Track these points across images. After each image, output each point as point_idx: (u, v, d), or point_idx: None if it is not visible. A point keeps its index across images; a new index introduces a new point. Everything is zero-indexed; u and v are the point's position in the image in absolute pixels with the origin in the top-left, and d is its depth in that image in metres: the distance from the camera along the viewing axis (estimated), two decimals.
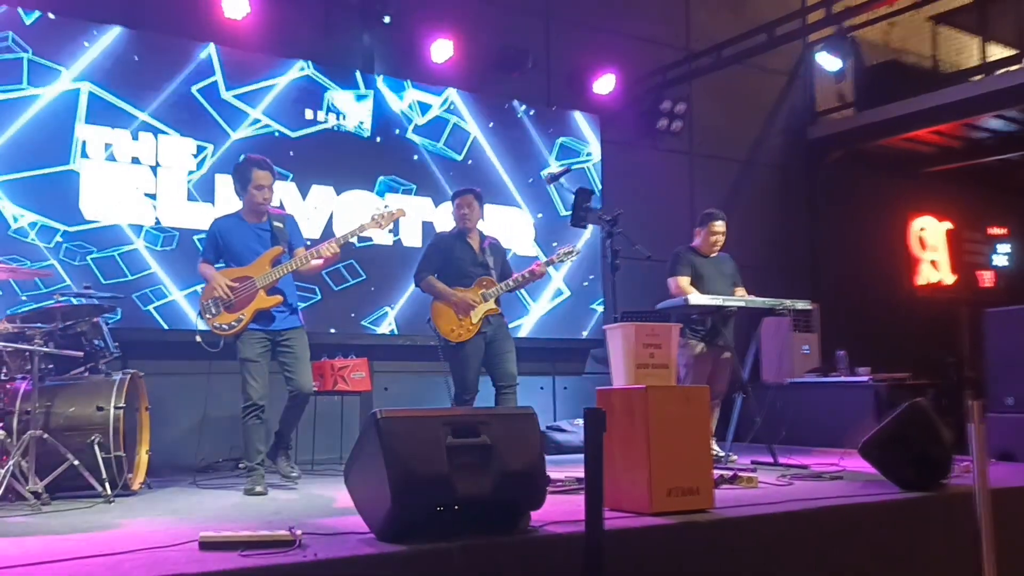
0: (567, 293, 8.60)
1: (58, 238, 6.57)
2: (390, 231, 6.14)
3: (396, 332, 7.78)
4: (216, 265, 5.45)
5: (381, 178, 7.85)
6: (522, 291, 7.25)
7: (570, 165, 6.18)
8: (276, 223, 5.50)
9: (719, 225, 6.71)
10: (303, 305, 6.62)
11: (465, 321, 5.92)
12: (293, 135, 7.50)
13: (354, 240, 5.73)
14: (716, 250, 6.74)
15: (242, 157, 5.68)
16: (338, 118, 7.70)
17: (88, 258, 6.65)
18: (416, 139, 8.06)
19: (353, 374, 6.79)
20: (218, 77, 7.23)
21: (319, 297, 7.44)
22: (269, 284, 5.33)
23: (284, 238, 5.48)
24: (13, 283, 6.32)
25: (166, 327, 6.83)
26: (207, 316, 5.32)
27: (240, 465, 5.62)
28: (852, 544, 4.19)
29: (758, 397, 6.81)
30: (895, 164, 11.11)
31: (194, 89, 7.13)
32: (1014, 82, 9.24)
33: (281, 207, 7.23)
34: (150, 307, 6.81)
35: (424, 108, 8.14)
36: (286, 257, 5.42)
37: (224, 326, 5.29)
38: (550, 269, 6.39)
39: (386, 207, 5.68)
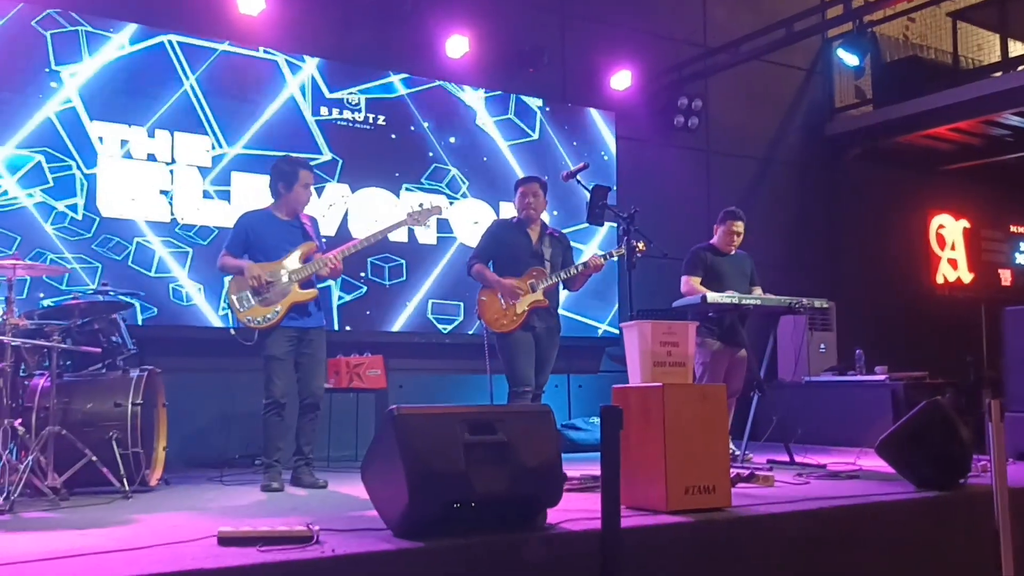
0: (582, 291, 8.59)
1: (75, 236, 6.62)
2: (426, 227, 6.10)
3: (412, 330, 7.81)
4: (241, 259, 5.47)
5: (396, 174, 7.88)
6: None
7: (586, 162, 6.16)
8: (304, 222, 5.55)
9: (739, 225, 6.72)
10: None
11: (510, 310, 5.78)
12: (312, 132, 7.53)
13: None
14: (734, 249, 6.76)
15: (285, 156, 5.75)
16: (353, 114, 7.73)
17: (105, 255, 6.70)
18: (431, 135, 8.08)
19: (368, 371, 6.82)
20: (233, 75, 7.27)
21: (364, 290, 7.49)
22: (303, 278, 5.36)
23: (314, 234, 5.53)
24: (42, 279, 6.39)
25: (183, 324, 6.88)
26: (239, 309, 5.30)
27: (257, 461, 5.66)
28: (869, 543, 4.20)
29: (775, 395, 6.82)
30: (914, 161, 11.07)
31: (207, 87, 7.16)
32: None
33: None
34: (167, 304, 6.85)
35: (438, 105, 8.16)
36: (315, 254, 5.45)
37: (259, 319, 5.29)
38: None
39: (421, 204, 5.72)
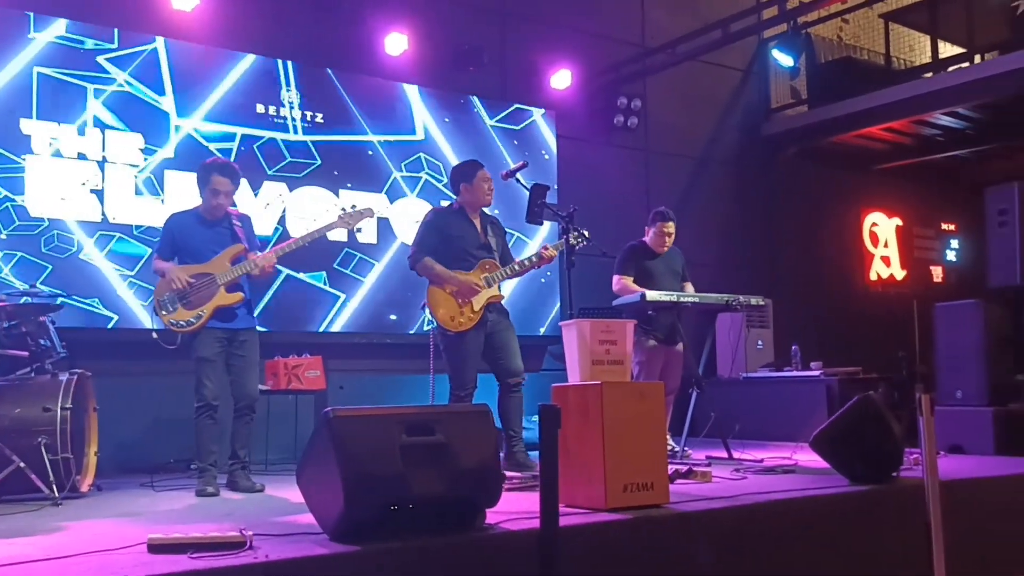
0: (523, 289, 8.60)
1: (2, 235, 6.45)
2: (358, 230, 5.96)
3: (352, 330, 7.73)
4: (171, 262, 5.42)
5: (335, 173, 7.79)
6: None
7: (526, 160, 6.14)
8: (235, 222, 5.47)
9: (669, 226, 6.77)
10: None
11: (466, 308, 5.57)
12: (244, 130, 7.42)
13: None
14: (665, 249, 6.80)
15: (209, 160, 5.65)
16: (291, 112, 7.64)
17: (33, 256, 6.53)
18: (370, 134, 8.01)
19: (307, 373, 6.75)
20: (167, 72, 7.14)
21: (303, 290, 7.38)
22: (230, 281, 5.29)
23: (244, 237, 5.46)
24: None
25: (114, 326, 6.73)
26: (163, 312, 5.25)
27: (192, 466, 5.56)
28: (805, 537, 4.24)
29: (713, 392, 6.87)
30: (848, 160, 11.24)
31: (140, 83, 7.02)
32: (965, 79, 9.38)
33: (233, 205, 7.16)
34: (97, 305, 6.70)
35: (378, 102, 8.09)
36: (246, 256, 5.39)
37: (182, 323, 5.23)
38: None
39: (353, 207, 5.65)
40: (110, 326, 6.72)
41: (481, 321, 5.60)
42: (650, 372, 6.47)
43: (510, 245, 6.18)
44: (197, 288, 5.25)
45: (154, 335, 5.28)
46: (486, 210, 5.95)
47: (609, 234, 6.73)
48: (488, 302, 5.65)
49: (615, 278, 6.68)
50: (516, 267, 5.77)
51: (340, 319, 7.70)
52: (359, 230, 5.91)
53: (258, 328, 5.59)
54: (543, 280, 8.71)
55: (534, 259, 5.77)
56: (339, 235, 7.66)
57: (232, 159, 7.05)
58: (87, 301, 6.64)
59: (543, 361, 8.84)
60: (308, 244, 5.54)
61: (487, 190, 5.77)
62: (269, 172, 7.49)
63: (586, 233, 5.65)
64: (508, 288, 8.43)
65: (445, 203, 7.23)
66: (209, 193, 5.39)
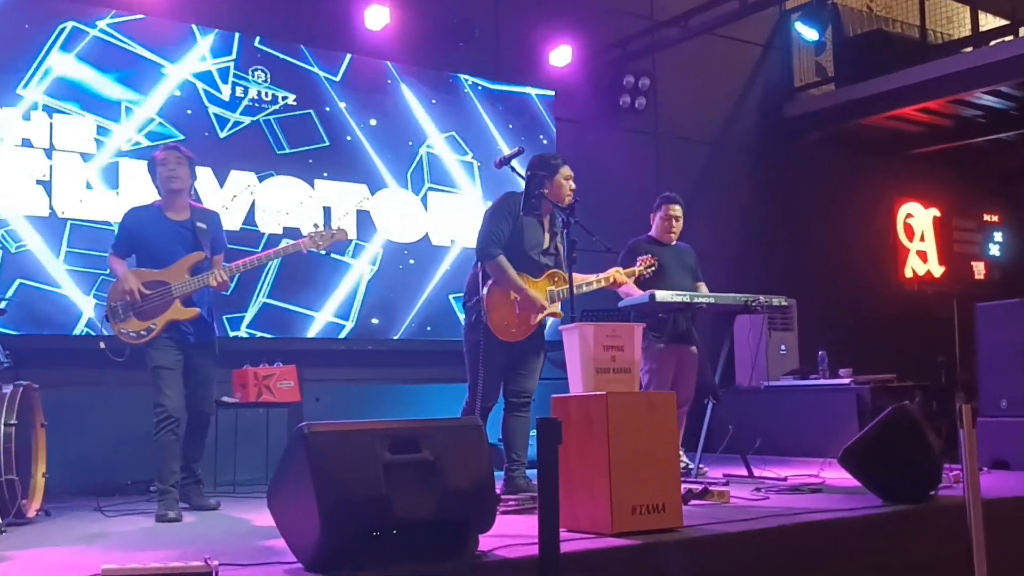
0: None
1: None
2: (326, 253, 5.91)
3: (330, 335, 7.73)
4: (127, 260, 5.44)
5: (310, 161, 7.79)
6: None
7: (522, 146, 6.13)
8: (200, 223, 5.48)
9: (675, 209, 6.76)
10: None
11: (524, 319, 5.56)
12: (209, 113, 7.41)
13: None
14: (674, 237, 6.79)
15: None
16: (259, 93, 7.63)
17: None
18: (349, 117, 8.01)
19: (280, 383, 6.74)
20: (121, 51, 7.12)
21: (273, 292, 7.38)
22: (186, 293, 5.30)
23: (207, 240, 5.47)
24: None
25: (63, 333, 6.72)
26: (114, 320, 5.26)
27: (152, 488, 5.55)
28: (834, 563, 4.24)
29: (731, 403, 6.87)
30: (879, 145, 11.25)
31: (90, 64, 7.01)
32: (1008, 54, 9.37)
33: (196, 198, 7.16)
34: (46, 310, 6.69)
35: (359, 82, 8.09)
36: (207, 264, 5.41)
37: (132, 333, 5.24)
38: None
39: (327, 227, 5.67)
40: (59, 333, 6.70)
41: (531, 334, 5.62)
42: (661, 380, 6.47)
43: None
44: (151, 298, 5.26)
45: (101, 345, 5.29)
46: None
47: (614, 228, 6.73)
48: (546, 316, 5.66)
49: None
50: (583, 288, 5.74)
51: (316, 323, 7.69)
52: (326, 252, 5.86)
53: (221, 335, 5.61)
54: None
55: (603, 282, 5.96)
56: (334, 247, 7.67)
57: (194, 147, 7.05)
58: (33, 304, 6.63)
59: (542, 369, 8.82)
60: (266, 263, 5.59)
61: (567, 190, 5.70)
62: (235, 160, 7.48)
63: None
64: None
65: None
66: (161, 169, 5.44)
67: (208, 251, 5.46)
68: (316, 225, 5.75)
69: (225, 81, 7.51)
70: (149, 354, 5.27)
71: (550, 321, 5.78)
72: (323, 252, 5.79)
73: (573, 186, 5.74)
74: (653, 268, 6.35)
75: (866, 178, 11.29)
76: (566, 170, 5.74)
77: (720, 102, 10.50)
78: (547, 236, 5.74)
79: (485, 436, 3.66)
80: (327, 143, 7.90)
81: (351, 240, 5.79)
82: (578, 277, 5.56)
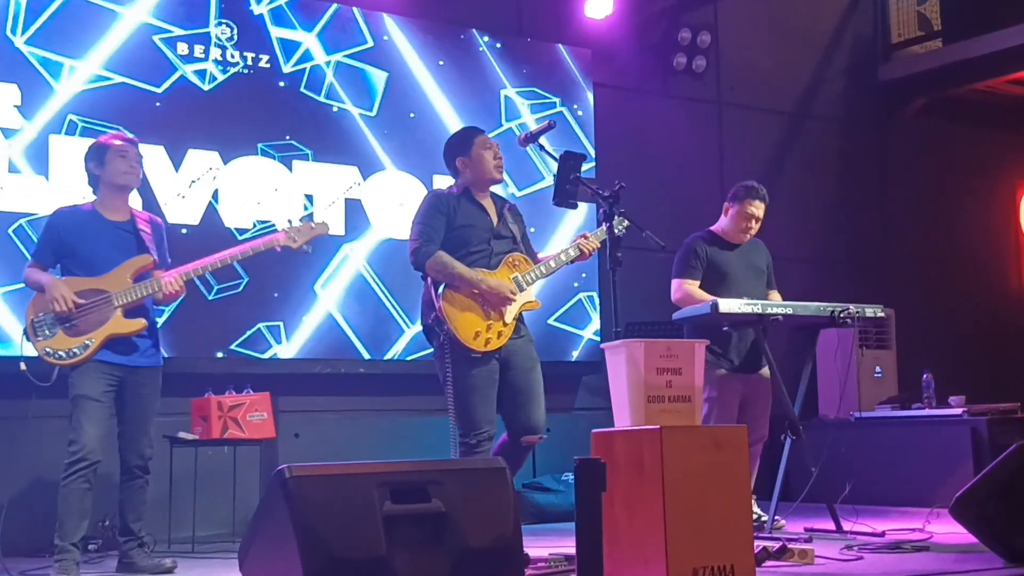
0: (547, 298, 8.60)
1: None
2: (306, 250, 5.90)
3: (311, 356, 7.74)
4: (51, 271, 5.46)
5: (287, 138, 7.81)
6: None
7: (552, 119, 6.12)
8: (142, 227, 5.52)
9: (758, 207, 6.74)
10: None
11: (496, 321, 5.50)
12: (159, 87, 7.43)
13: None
14: (747, 238, 6.79)
15: (99, 139, 5.73)
16: (223, 55, 7.65)
17: None
18: (336, 84, 8.03)
19: (250, 415, 6.76)
20: (47, 11, 7.17)
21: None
22: (130, 303, 5.32)
23: (153, 245, 5.52)
24: None
25: None
26: (37, 338, 5.28)
27: (55, 541, 5.45)
28: None
29: (814, 439, 6.84)
30: (998, 116, 11.21)
31: (10, 27, 7.06)
32: None
33: (144, 180, 7.21)
34: None
35: (346, 41, 8.11)
36: (152, 272, 5.46)
37: (61, 353, 5.27)
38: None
39: (302, 219, 5.71)
40: None
41: (510, 340, 5.57)
42: (724, 412, 6.45)
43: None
44: (86, 309, 5.28)
45: (22, 366, 5.30)
46: (499, 193, 5.93)
47: (669, 221, 6.75)
48: (521, 312, 5.64)
49: (675, 283, 6.66)
50: (551, 264, 5.74)
51: (294, 340, 7.71)
52: (307, 250, 5.86)
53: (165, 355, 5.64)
54: (576, 284, 8.72)
55: (572, 252, 5.76)
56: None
57: (141, 121, 7.10)
58: None
59: (576, 398, 8.83)
60: (230, 263, 5.60)
61: (493, 161, 5.74)
62: (194, 137, 7.51)
63: (625, 222, 5.62)
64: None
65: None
66: (116, 157, 5.48)
67: (155, 255, 5.50)
68: (290, 221, 5.72)
69: (184, 40, 7.53)
70: (72, 379, 5.30)
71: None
72: (305, 250, 5.79)
73: (500, 157, 5.74)
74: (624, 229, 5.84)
75: (981, 157, 11.26)
76: (483, 139, 5.75)
77: (799, 63, 10.50)
78: (494, 217, 5.73)
79: (510, 481, 3.66)
80: (309, 116, 7.92)
81: (329, 232, 5.78)
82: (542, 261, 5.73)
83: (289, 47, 7.90)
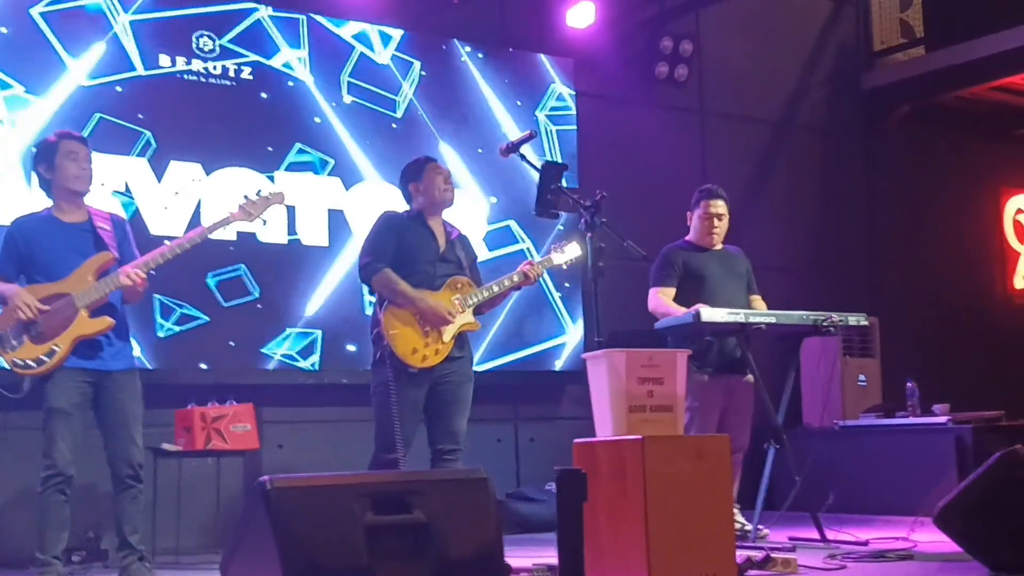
0: (529, 307, 8.62)
1: None
2: (264, 223, 5.99)
3: (295, 365, 7.75)
4: (15, 284, 5.40)
5: (269, 149, 7.82)
6: None
7: (533, 129, 6.19)
8: (101, 225, 5.50)
9: (717, 205, 6.79)
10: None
11: (434, 338, 5.73)
12: (141, 98, 7.44)
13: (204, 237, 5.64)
14: (716, 239, 6.81)
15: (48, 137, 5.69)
16: (205, 65, 7.67)
17: None
18: (318, 93, 8.04)
19: (233, 426, 6.76)
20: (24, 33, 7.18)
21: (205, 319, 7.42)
22: (94, 301, 5.29)
23: (114, 243, 5.48)
24: None
25: None
26: (5, 351, 5.25)
27: (38, 555, 5.46)
28: None
29: (797, 447, 6.86)
30: (983, 123, 11.23)
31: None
32: None
33: (127, 192, 7.21)
34: None
35: (330, 51, 8.12)
36: (117, 266, 5.41)
37: (31, 362, 5.23)
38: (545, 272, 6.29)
39: (259, 192, 5.70)
40: None
41: (447, 359, 5.79)
42: (705, 421, 6.46)
43: (513, 251, 6.26)
44: (50, 314, 5.25)
45: None
46: (452, 223, 6.17)
47: (651, 230, 6.75)
48: (460, 331, 5.83)
49: (651, 293, 6.71)
50: (495, 288, 5.95)
51: (278, 350, 7.71)
52: (264, 221, 5.93)
53: (148, 367, 5.60)
54: (560, 294, 8.74)
55: (516, 278, 5.98)
56: (276, 235, 7.70)
57: (121, 133, 7.10)
58: None
59: (560, 407, 8.85)
60: (189, 249, 5.54)
61: (443, 187, 6.01)
62: (177, 148, 7.51)
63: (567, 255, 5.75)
64: (509, 304, 8.46)
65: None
66: (66, 161, 5.43)
67: (116, 252, 5.46)
68: (246, 196, 5.71)
69: (166, 51, 7.54)
70: (45, 391, 5.25)
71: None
72: (262, 220, 5.81)
73: (450, 183, 6.05)
74: (571, 259, 6.25)
75: (965, 164, 11.28)
76: (435, 166, 6.08)
77: (781, 71, 10.50)
78: (442, 242, 5.97)
79: (492, 492, 3.68)
80: (290, 126, 7.94)
81: (284, 201, 5.82)
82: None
83: (271, 58, 7.92)
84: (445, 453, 5.82)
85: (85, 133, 6.50)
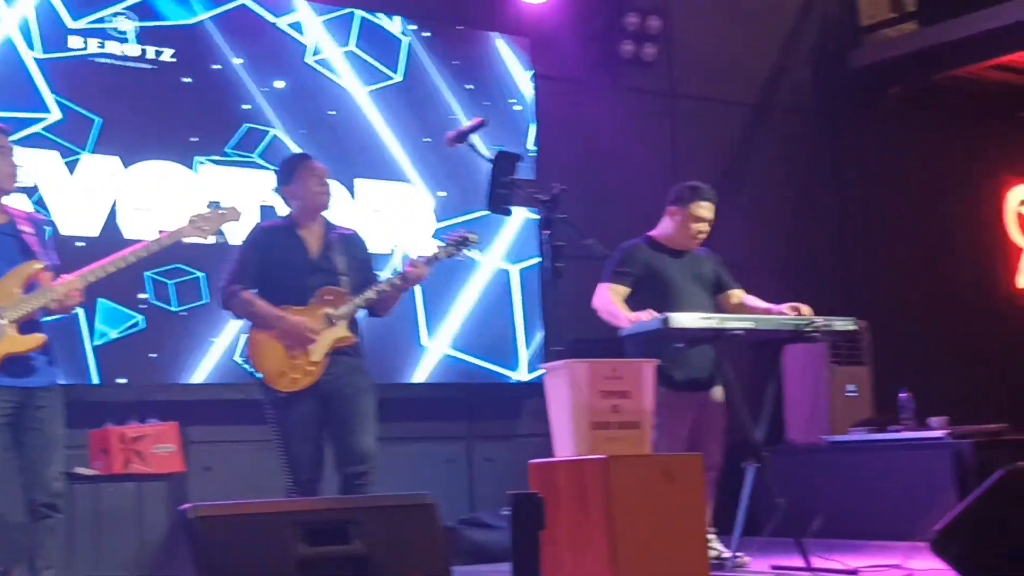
0: (484, 313, 8.65)
1: None
2: (218, 238, 6.05)
3: (223, 380, 7.73)
4: None
5: (193, 139, 7.81)
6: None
7: (484, 116, 6.19)
8: (24, 228, 5.48)
9: (706, 208, 6.73)
10: None
11: (301, 359, 5.81)
12: (27, 78, 7.42)
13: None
14: (697, 245, 6.82)
15: None
16: (121, 47, 7.64)
17: None
18: (246, 78, 8.04)
19: (155, 447, 6.75)
20: None
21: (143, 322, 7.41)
22: (22, 316, 5.28)
23: (41, 248, 5.46)
24: None
25: None
26: None
27: None
28: None
29: (780, 466, 6.88)
30: (981, 105, 11.29)
31: None
32: None
33: (34, 190, 7.18)
34: None
35: (255, 31, 8.12)
36: (48, 278, 5.38)
37: None
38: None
39: (212, 205, 5.72)
40: None
41: (324, 376, 5.85)
42: (674, 438, 6.42)
43: (468, 252, 6.30)
44: None
45: None
46: (331, 219, 6.25)
47: (616, 225, 6.78)
48: (334, 347, 5.88)
49: (599, 287, 6.64)
50: (371, 295, 5.99)
51: (205, 363, 7.71)
52: (220, 234, 5.99)
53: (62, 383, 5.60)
54: (521, 296, 8.77)
55: (396, 280, 6.04)
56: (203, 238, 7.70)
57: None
58: None
59: (518, 423, 8.86)
60: (134, 264, 5.55)
61: (316, 189, 6.10)
62: (91, 140, 7.50)
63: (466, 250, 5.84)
64: (462, 310, 8.49)
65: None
66: None
67: (45, 259, 5.44)
68: (197, 211, 5.72)
69: (77, 32, 7.51)
70: None
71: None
72: (218, 236, 5.85)
73: (325, 184, 6.12)
74: (465, 245, 6.31)
75: (964, 151, 11.32)
76: (310, 165, 6.14)
77: (760, 49, 10.53)
78: (315, 249, 6.05)
79: (439, 519, 3.70)
80: (215, 114, 7.93)
81: (239, 219, 5.85)
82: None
83: (195, 39, 7.91)
84: (353, 478, 5.84)
85: None
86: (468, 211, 8.52)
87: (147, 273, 7.51)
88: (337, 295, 5.93)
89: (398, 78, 8.65)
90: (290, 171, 6.13)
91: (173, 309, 7.65)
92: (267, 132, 8.08)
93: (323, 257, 6.02)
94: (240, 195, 7.85)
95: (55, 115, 7.36)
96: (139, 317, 7.54)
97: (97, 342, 7.37)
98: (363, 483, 5.84)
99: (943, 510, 5.28)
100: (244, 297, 5.91)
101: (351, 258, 6.11)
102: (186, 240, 5.65)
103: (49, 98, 7.38)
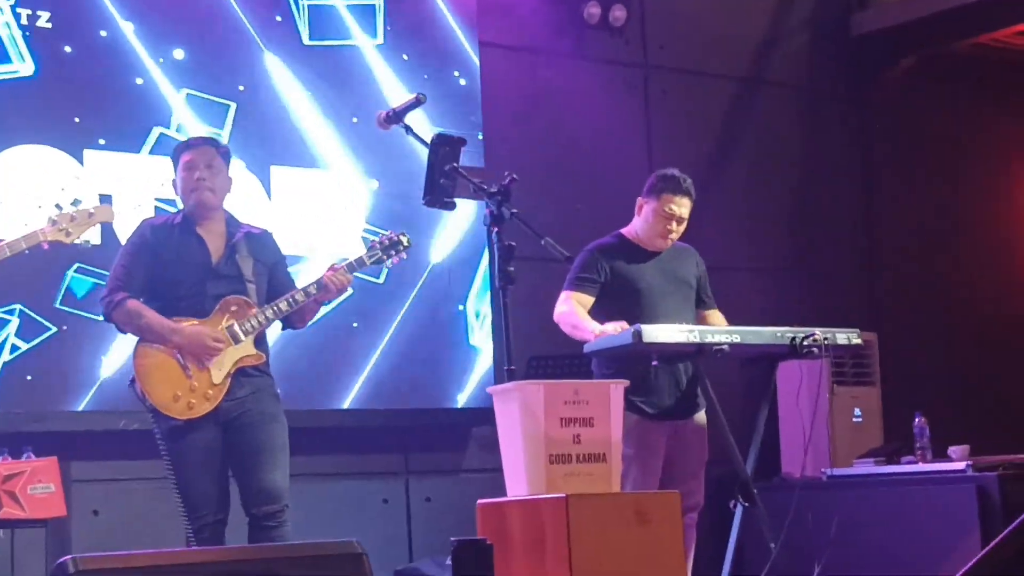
0: (427, 327, 8.65)
1: None
2: (86, 242, 5.99)
3: (112, 407, 7.70)
4: None
5: (76, 120, 7.77)
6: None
7: (421, 92, 6.18)
8: None
9: (681, 203, 6.71)
10: None
11: (200, 379, 5.76)
12: None
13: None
14: (668, 244, 6.81)
15: None
16: None
17: None
18: (140, 46, 8.01)
19: (31, 487, 6.72)
20: None
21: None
22: None
23: None
24: None
25: None
26: None
27: None
28: None
29: (773, 504, 6.93)
30: (1003, 78, 11.38)
31: None
32: None
33: None
34: None
35: None
36: None
37: None
38: (361, 275, 6.42)
39: (76, 203, 5.69)
40: None
41: (225, 400, 5.83)
42: (647, 472, 6.43)
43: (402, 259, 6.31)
44: None
45: None
46: (238, 218, 6.24)
47: (580, 221, 6.78)
48: (238, 367, 5.86)
49: (561, 296, 6.63)
50: (283, 306, 5.97)
51: (91, 387, 7.67)
52: (87, 242, 5.95)
53: None
54: (461, 307, 8.77)
55: (312, 289, 6.01)
56: (86, 233, 7.65)
57: None
58: None
59: (464, 456, 8.87)
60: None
61: (191, 184, 6.01)
62: None
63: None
64: (392, 325, 8.48)
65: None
66: None
67: None
68: (59, 207, 5.72)
69: None
70: None
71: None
72: (84, 242, 5.80)
73: (202, 178, 6.00)
74: (397, 251, 6.36)
75: (987, 132, 11.43)
76: (188, 155, 6.07)
77: (749, 14, 10.60)
78: (216, 250, 6.03)
79: (368, 570, 3.70)
80: (104, 89, 7.91)
81: (114, 220, 5.83)
82: None
83: (81, 3, 7.88)
84: (262, 519, 5.83)
85: None
86: (403, 204, 8.53)
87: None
88: (242, 305, 5.90)
89: (335, 43, 8.65)
90: (174, 162, 6.10)
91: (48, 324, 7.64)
92: (170, 111, 8.06)
93: (226, 260, 5.98)
94: (133, 189, 7.83)
95: None
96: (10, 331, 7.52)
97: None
98: (276, 525, 5.82)
99: (965, 554, 5.32)
100: (130, 307, 5.83)
101: (259, 262, 6.09)
102: (48, 243, 5.60)
103: None
